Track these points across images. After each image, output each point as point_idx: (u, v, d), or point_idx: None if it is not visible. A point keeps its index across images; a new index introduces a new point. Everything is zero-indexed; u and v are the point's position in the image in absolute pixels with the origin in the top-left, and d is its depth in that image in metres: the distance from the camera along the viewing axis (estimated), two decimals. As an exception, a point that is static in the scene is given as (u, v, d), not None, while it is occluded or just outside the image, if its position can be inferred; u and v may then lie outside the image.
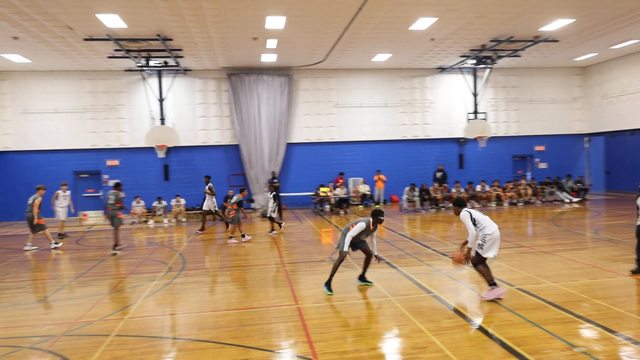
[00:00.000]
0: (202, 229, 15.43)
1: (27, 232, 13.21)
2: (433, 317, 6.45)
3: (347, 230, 7.84)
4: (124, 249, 12.69)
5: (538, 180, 22.82)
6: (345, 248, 7.70)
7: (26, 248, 12.98)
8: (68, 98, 20.75)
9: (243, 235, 13.59)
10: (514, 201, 21.05)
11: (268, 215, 14.80)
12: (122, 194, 12.60)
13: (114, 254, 12.01)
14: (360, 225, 7.77)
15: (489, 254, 7.02)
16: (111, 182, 21.00)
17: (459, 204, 7.42)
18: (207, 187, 15.80)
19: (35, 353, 5.67)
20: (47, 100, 20.61)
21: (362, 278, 8.31)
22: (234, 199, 13.71)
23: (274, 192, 15.32)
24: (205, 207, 15.81)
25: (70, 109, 20.77)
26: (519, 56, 20.34)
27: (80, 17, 13.72)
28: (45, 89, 20.60)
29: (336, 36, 16.65)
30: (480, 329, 6.02)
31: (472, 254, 7.13)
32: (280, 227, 15.25)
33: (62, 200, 15.63)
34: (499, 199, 20.94)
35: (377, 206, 21.78)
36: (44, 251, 13.05)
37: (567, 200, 21.35)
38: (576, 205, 20.06)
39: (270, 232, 14.65)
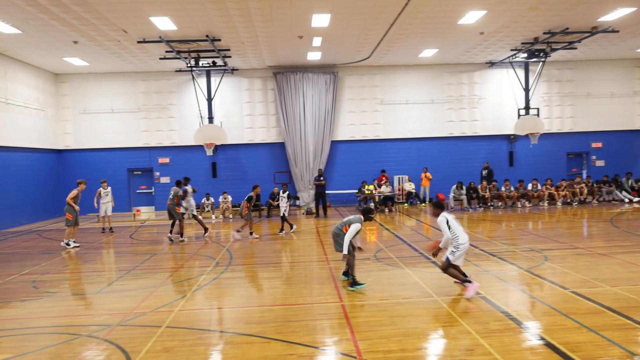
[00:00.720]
0: (205, 229, 14.66)
1: (85, 226, 13.79)
2: (481, 319, 6.28)
3: (340, 232, 8.00)
4: (176, 243, 13.14)
5: (594, 179, 21.71)
6: (345, 251, 7.83)
7: (76, 244, 13.28)
8: (123, 98, 21.70)
9: (251, 233, 13.87)
10: (568, 200, 20.15)
11: (281, 214, 14.58)
12: (180, 191, 13.73)
13: (182, 241, 13.43)
14: (357, 227, 7.91)
15: (458, 262, 7.41)
16: (163, 180, 21.90)
17: (438, 206, 7.88)
18: (189, 189, 14.71)
19: (93, 341, 5.97)
20: (104, 100, 21.64)
21: (347, 274, 8.33)
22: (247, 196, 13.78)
23: (287, 192, 14.97)
24: (188, 211, 14.82)
25: (124, 109, 21.72)
26: (574, 48, 19.41)
27: (135, 21, 14.30)
28: (101, 90, 21.64)
29: (382, 32, 16.49)
30: (532, 332, 5.80)
31: (443, 258, 7.53)
32: (292, 228, 14.72)
33: (104, 197, 16.22)
34: (551, 198, 20.10)
35: (423, 205, 21.44)
36: (99, 245, 13.71)
37: (627, 200, 20.20)
38: (637, 205, 18.94)
39: (280, 232, 14.44)
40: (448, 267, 7.47)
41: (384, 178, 21.35)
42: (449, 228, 7.46)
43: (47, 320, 7.05)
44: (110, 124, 21.73)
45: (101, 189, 16.37)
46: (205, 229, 14.56)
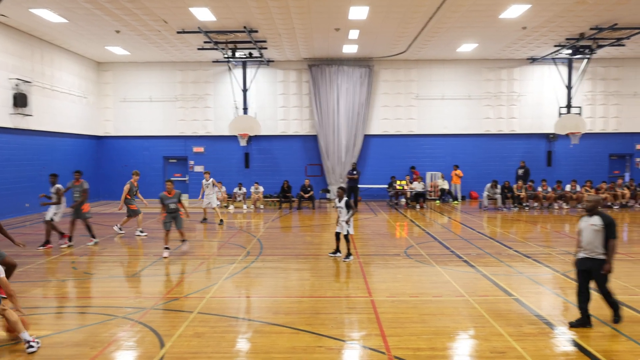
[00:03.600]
0: (47, 242, 11.31)
1: (124, 211, 13.54)
2: (513, 321, 6.14)
3: None
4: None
5: (638, 182, 20.82)
6: None
7: (136, 233, 12.97)
8: (161, 87, 22.16)
9: (166, 248, 10.40)
10: (609, 204, 19.39)
11: (344, 232, 9.90)
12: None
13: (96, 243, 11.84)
14: None
15: None
16: (197, 168, 22.27)
17: None
18: (54, 189, 11.47)
19: (128, 323, 6.16)
20: (143, 89, 22.16)
21: None
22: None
23: (346, 199, 10.01)
24: (49, 217, 11.38)
25: (162, 98, 22.18)
26: (622, 45, 18.55)
27: (175, 11, 14.54)
28: (141, 79, 22.15)
29: (420, 26, 16.22)
30: (567, 338, 5.63)
31: None
32: (349, 257, 9.94)
33: (205, 188, 15.32)
34: (591, 201, 19.37)
35: (455, 202, 21.09)
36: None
37: (673, 206, 19.28)
38: (683, 212, 18.06)
39: (345, 257, 9.97)
40: None
41: (414, 174, 21.20)
42: None
43: (84, 300, 7.32)
44: (148, 112, 22.24)
45: (204, 180, 15.49)
46: (61, 234, 11.62)
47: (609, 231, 5.82)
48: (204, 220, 15.50)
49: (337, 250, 10.16)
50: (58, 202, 11.42)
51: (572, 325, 5.93)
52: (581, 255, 6.05)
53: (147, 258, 10.23)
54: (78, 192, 11.55)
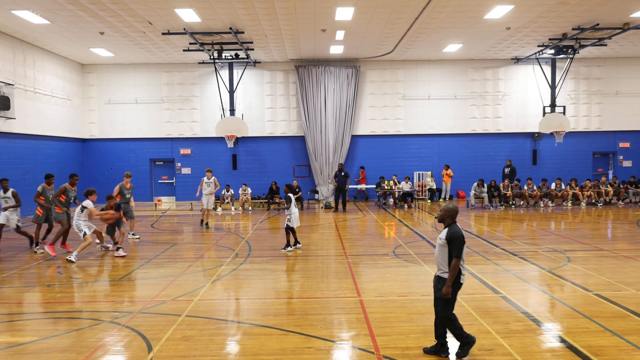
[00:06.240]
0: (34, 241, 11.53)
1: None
2: (501, 319, 6.19)
3: None
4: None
5: (621, 179, 21.18)
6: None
7: (129, 237, 12.88)
8: (146, 89, 21.98)
9: (64, 246, 11.18)
10: (593, 201, 19.70)
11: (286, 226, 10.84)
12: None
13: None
14: None
15: None
16: (184, 171, 22.14)
17: None
18: (9, 192, 11.28)
19: (115, 327, 6.09)
20: (128, 91, 21.96)
21: None
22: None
23: (290, 194, 10.93)
24: (2, 220, 11.17)
25: (148, 100, 22.00)
26: (604, 45, 18.88)
27: (160, 13, 14.44)
28: (126, 81, 21.95)
29: (406, 26, 16.31)
30: (553, 334, 5.70)
31: None
32: (291, 245, 10.96)
33: (206, 187, 14.87)
34: (575, 199, 19.69)
35: (441, 201, 21.22)
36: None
37: (655, 202, 19.65)
38: (665, 208, 18.40)
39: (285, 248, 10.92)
40: None
41: (362, 174, 21.62)
42: None
43: (70, 305, 7.22)
44: (134, 114, 22.04)
45: (205, 178, 14.92)
46: (31, 242, 11.66)
47: (451, 248, 5.04)
48: (206, 224, 14.85)
49: (289, 244, 10.92)
50: (18, 205, 11.37)
51: (426, 351, 5.21)
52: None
53: (134, 261, 10.14)
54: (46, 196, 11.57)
